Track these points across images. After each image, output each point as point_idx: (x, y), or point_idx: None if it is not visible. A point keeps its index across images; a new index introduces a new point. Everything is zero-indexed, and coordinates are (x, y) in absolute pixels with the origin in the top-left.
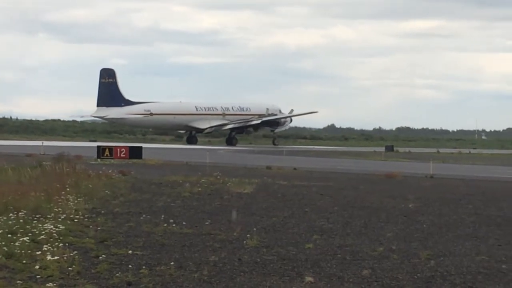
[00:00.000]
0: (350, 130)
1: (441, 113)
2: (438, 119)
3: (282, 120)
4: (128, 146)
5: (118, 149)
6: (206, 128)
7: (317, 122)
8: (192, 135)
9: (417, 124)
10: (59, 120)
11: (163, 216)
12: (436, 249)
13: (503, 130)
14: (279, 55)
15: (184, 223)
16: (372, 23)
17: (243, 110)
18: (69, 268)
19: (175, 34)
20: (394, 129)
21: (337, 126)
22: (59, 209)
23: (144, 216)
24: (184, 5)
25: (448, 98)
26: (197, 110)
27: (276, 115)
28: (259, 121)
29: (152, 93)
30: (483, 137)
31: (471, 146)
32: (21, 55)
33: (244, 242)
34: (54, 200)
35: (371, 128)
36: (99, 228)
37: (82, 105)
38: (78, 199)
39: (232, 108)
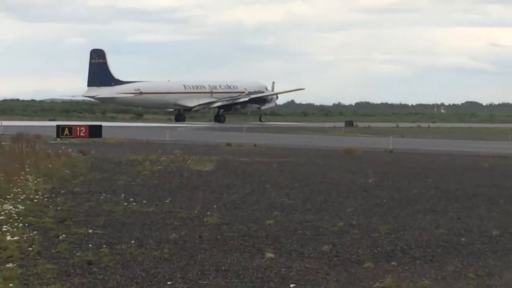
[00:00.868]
0: (309, 106)
1: (400, 87)
2: (397, 93)
3: (269, 97)
4: (88, 125)
5: (78, 128)
6: (195, 106)
7: None
8: (180, 113)
9: (376, 99)
10: (17, 99)
11: (123, 195)
12: (396, 223)
13: (462, 104)
14: (238, 31)
15: (144, 201)
16: None
17: (230, 88)
18: (29, 248)
19: (133, 12)
20: (353, 104)
21: (297, 102)
22: (19, 189)
23: (104, 195)
24: None
25: (407, 73)
26: (185, 88)
27: (263, 92)
28: (246, 99)
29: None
30: (442, 111)
31: (430, 120)
32: None
33: (205, 219)
34: (13, 180)
35: (330, 104)
36: (59, 208)
37: (40, 85)
38: (38, 179)
39: (220, 86)
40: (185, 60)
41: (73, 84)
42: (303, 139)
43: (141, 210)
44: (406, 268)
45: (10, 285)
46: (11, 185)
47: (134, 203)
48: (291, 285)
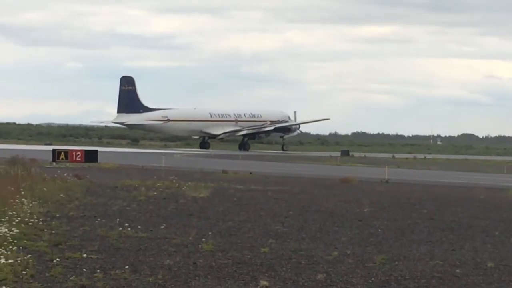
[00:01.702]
0: (306, 134)
1: (396, 118)
2: (393, 124)
3: (293, 126)
4: (84, 150)
5: (74, 153)
6: (220, 134)
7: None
8: (205, 140)
9: (372, 129)
10: (14, 123)
11: (118, 219)
12: (391, 253)
13: (458, 136)
14: (235, 59)
15: (139, 227)
16: (328, 28)
17: (255, 117)
18: (23, 272)
19: (130, 38)
20: (349, 134)
21: None
22: (14, 212)
23: (99, 219)
24: (140, 9)
25: (403, 104)
26: (211, 116)
27: (287, 121)
28: (272, 127)
29: (107, 96)
30: (438, 142)
31: (426, 151)
32: None
33: (199, 246)
34: (8, 203)
35: (327, 133)
36: (53, 232)
37: (37, 108)
38: (33, 202)
39: (244, 114)
40: (181, 86)
41: (69, 109)
42: (299, 167)
43: (135, 236)
44: None
45: None
46: (6, 208)
47: (129, 228)
48: None
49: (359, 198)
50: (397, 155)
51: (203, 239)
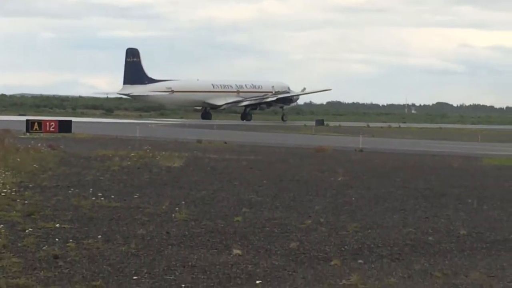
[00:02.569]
0: None
1: (371, 87)
2: (368, 93)
3: (295, 97)
4: (58, 120)
5: (48, 123)
6: (223, 105)
7: None
8: (206, 111)
9: (347, 99)
10: None
11: (91, 189)
12: (364, 221)
13: (433, 105)
14: (210, 29)
15: (112, 196)
16: None
17: (256, 88)
18: None
19: (105, 8)
20: (324, 103)
21: None
22: None
23: (72, 190)
24: None
25: (378, 73)
26: (213, 87)
27: (288, 92)
28: (274, 98)
29: (82, 66)
30: (413, 111)
31: (401, 120)
32: None
33: (173, 215)
34: None
35: (302, 102)
36: (26, 202)
37: (10, 79)
38: (6, 173)
39: (246, 85)
40: (157, 56)
41: (43, 79)
42: (273, 137)
43: (109, 205)
44: (373, 266)
45: None
46: None
47: (102, 198)
48: (258, 282)
49: (334, 167)
50: (371, 124)
51: (177, 209)
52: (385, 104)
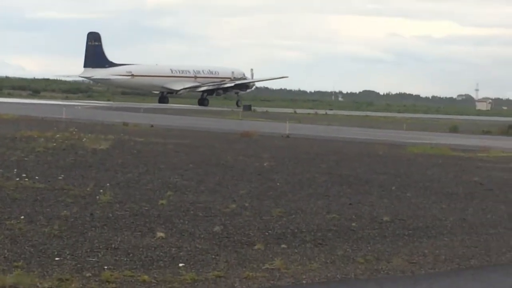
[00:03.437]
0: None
1: (299, 74)
2: (296, 80)
3: (251, 84)
4: None
5: None
6: (180, 90)
7: None
8: (164, 95)
9: (275, 85)
10: None
11: (15, 170)
12: (288, 207)
13: (359, 92)
14: (138, 12)
15: (37, 177)
16: None
17: (213, 73)
18: None
19: None
20: (252, 89)
21: None
22: None
23: None
24: None
25: (306, 59)
26: (172, 72)
27: (245, 79)
28: (232, 84)
29: (9, 46)
30: (340, 98)
31: (328, 107)
32: None
33: (97, 197)
34: None
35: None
36: None
37: None
38: None
39: (203, 71)
40: (81, 38)
41: None
42: (200, 121)
43: (33, 186)
44: (296, 251)
45: None
46: None
47: (27, 179)
48: (180, 265)
49: (259, 152)
50: (299, 111)
51: (101, 191)
52: (313, 91)
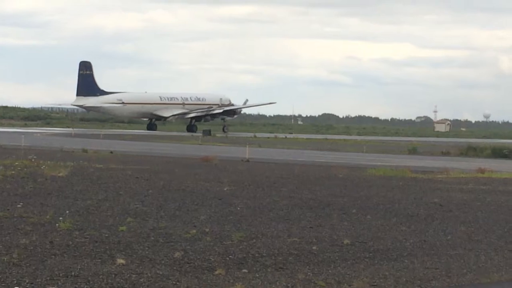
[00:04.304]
0: None
1: (259, 98)
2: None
3: (238, 110)
4: None
5: None
6: (169, 116)
7: None
8: (152, 122)
9: None
10: None
11: None
12: (249, 231)
13: (319, 116)
14: (97, 38)
15: None
16: (191, 7)
17: (200, 100)
18: None
19: None
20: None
21: None
22: None
23: None
24: None
25: (266, 83)
26: (161, 99)
27: (233, 104)
28: (221, 110)
29: None
30: (299, 122)
31: (288, 131)
32: None
33: (57, 225)
34: None
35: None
36: None
37: None
38: None
39: (190, 98)
40: (42, 64)
41: None
42: (160, 147)
43: None
44: (257, 275)
45: None
46: None
47: None
48: None
49: (220, 177)
50: (258, 135)
51: (61, 218)
52: (272, 115)
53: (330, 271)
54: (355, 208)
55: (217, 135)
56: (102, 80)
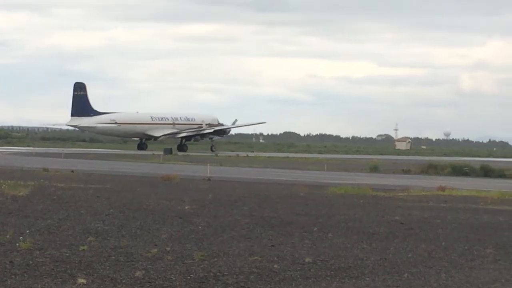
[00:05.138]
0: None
1: (220, 116)
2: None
3: (228, 130)
4: None
5: None
6: (160, 136)
7: None
8: (142, 142)
9: None
10: None
11: None
12: (210, 250)
13: (280, 134)
14: (57, 57)
15: None
16: (152, 26)
17: (189, 120)
18: None
19: None
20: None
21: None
22: None
23: None
24: None
25: (227, 102)
26: (152, 120)
27: (222, 124)
28: (211, 130)
29: None
30: (261, 140)
31: (249, 150)
32: None
33: (17, 244)
34: None
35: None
36: None
37: None
38: None
39: (180, 118)
40: (2, 83)
41: None
42: (122, 166)
43: None
44: None
45: None
46: None
47: None
48: None
49: (181, 195)
50: (220, 153)
51: (21, 238)
52: (234, 134)
53: None
54: (317, 226)
55: (178, 153)
56: (58, 99)
